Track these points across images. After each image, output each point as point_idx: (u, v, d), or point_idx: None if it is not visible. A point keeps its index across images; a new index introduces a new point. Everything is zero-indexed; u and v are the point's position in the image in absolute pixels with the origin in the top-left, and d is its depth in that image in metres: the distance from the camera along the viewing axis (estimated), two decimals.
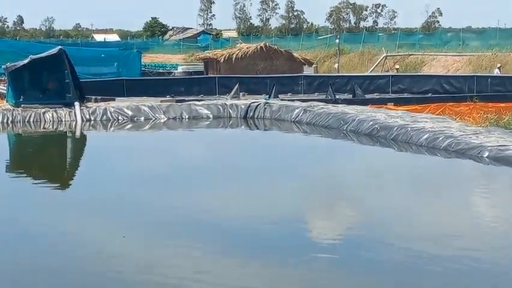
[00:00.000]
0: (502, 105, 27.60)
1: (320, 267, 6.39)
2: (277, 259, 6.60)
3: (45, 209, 8.88)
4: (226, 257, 6.72)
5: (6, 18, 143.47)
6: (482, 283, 6.07)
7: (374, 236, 7.42)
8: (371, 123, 14.43)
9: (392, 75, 41.67)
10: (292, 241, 7.19)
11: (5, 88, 19.96)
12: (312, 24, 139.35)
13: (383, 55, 59.05)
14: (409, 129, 13.39)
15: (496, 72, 44.00)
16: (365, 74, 48.48)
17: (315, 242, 7.20)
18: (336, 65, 55.90)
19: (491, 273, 6.27)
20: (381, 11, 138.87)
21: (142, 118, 17.94)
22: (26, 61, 18.39)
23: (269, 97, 24.11)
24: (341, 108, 17.00)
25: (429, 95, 34.27)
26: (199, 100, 20.68)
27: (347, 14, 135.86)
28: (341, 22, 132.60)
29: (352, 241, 7.31)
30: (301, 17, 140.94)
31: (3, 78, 22.44)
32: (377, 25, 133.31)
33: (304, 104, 17.89)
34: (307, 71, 47.46)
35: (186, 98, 23.40)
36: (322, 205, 9.02)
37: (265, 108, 17.96)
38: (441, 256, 6.62)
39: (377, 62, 58.74)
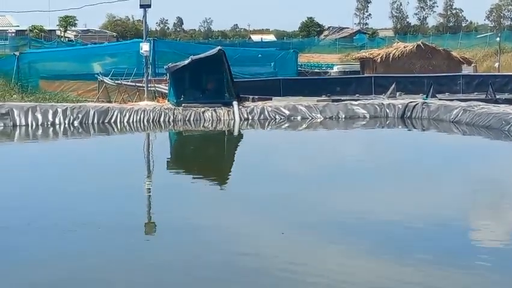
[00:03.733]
0: None
1: (477, 272, 6.24)
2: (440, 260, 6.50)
3: (201, 203, 9.10)
4: (381, 256, 6.67)
5: (167, 20, 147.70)
6: None
7: None
8: None
9: None
10: (456, 243, 7.06)
11: (167, 88, 20.58)
12: (471, 22, 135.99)
13: None
14: None
15: None
16: None
17: (476, 246, 7.03)
18: (496, 64, 54.26)
19: None
20: None
21: (299, 117, 18.07)
22: (186, 62, 18.86)
23: (427, 97, 23.69)
24: (503, 108, 16.51)
25: None
26: (355, 100, 20.61)
27: (508, 11, 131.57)
28: (501, 20, 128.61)
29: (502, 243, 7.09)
30: (460, 15, 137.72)
31: (165, 78, 23.12)
32: None
33: (463, 104, 17.50)
34: (466, 70, 46.35)
35: (342, 98, 23.36)
36: (485, 208, 8.79)
37: (423, 108, 17.70)
38: None
39: None
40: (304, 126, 17.43)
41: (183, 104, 18.33)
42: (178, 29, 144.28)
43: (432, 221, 7.87)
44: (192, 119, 17.83)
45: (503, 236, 7.34)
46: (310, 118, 18.00)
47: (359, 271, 6.24)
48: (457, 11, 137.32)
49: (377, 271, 6.24)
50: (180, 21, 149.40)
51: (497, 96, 27.58)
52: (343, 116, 18.14)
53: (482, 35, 79.41)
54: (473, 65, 50.70)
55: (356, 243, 7.06)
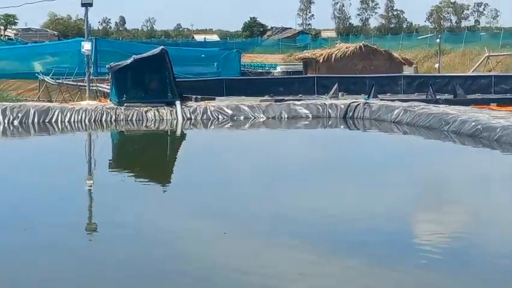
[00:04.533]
0: None
1: (417, 268, 6.31)
2: (376, 259, 6.55)
3: (145, 204, 9.05)
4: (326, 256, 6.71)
5: (109, 19, 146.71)
6: None
7: (478, 241, 7.29)
8: (473, 123, 14.17)
9: (495, 75, 40.78)
10: (397, 242, 7.13)
11: (109, 87, 20.43)
12: (411, 23, 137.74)
13: (485, 55, 57.86)
14: None
15: None
16: (467, 74, 47.57)
17: (415, 246, 7.11)
18: (436, 65, 55.03)
19: None
20: (483, 9, 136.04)
21: (242, 117, 18.09)
22: (129, 61, 18.75)
23: (368, 97, 23.92)
24: (442, 108, 16.74)
25: None
26: (298, 100, 20.71)
27: (448, 13, 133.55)
28: (441, 21, 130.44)
29: (450, 244, 7.17)
30: (401, 16, 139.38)
31: (107, 78, 22.96)
32: (479, 24, 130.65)
33: (404, 104, 17.70)
34: (407, 71, 46.94)
35: (285, 98, 23.44)
36: (425, 207, 8.89)
37: (365, 108, 17.86)
38: None
39: (479, 62, 57.58)
40: (247, 126, 17.46)
41: (125, 104, 18.19)
42: (120, 28, 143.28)
43: (372, 220, 7.92)
44: (134, 118, 17.72)
45: (443, 234, 7.43)
46: (253, 118, 18.04)
47: (303, 269, 6.25)
48: (398, 12, 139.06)
49: (320, 270, 6.27)
50: (123, 20, 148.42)
51: (438, 97, 27.96)
52: (286, 116, 18.21)
53: (423, 37, 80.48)
54: (414, 65, 51.36)
55: (298, 241, 7.07)
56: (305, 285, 5.95)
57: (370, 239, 7.19)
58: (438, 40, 60.49)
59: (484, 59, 57.37)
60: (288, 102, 19.47)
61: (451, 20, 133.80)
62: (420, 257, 6.59)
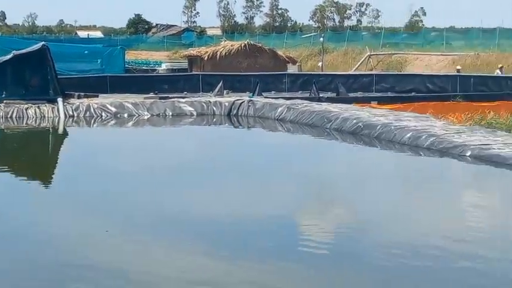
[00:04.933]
0: (485, 104, 27.69)
1: (305, 265, 6.38)
2: (262, 257, 6.59)
3: (25, 203, 8.84)
4: (209, 255, 6.70)
5: None
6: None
7: (361, 236, 7.43)
8: (355, 121, 14.45)
9: (376, 74, 41.75)
10: (277, 239, 7.19)
11: None
12: (296, 22, 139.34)
13: (367, 54, 59.18)
14: (392, 127, 13.42)
15: (497, 72, 44.00)
16: (349, 72, 48.51)
17: (302, 240, 7.19)
18: (320, 64, 55.95)
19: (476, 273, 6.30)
20: (365, 10, 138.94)
21: (126, 115, 17.90)
22: (8, 57, 18.31)
23: (253, 95, 24.06)
24: (325, 106, 17.01)
25: (413, 94, 34.33)
26: (182, 97, 20.65)
27: (331, 12, 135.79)
28: (325, 21, 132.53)
29: (337, 240, 7.29)
30: (286, 15, 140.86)
31: None
32: (361, 24, 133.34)
33: (288, 102, 17.89)
34: (291, 69, 47.48)
35: (170, 95, 23.33)
36: (306, 204, 9.00)
37: (249, 105, 17.96)
38: (426, 254, 6.64)
39: (361, 61, 58.87)
40: (131, 123, 17.29)
41: (5, 101, 17.73)
42: (0, 24, 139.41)
43: (261, 218, 7.97)
44: (14, 116, 17.28)
45: (328, 231, 7.53)
46: (137, 115, 17.87)
47: (189, 269, 6.23)
48: (283, 11, 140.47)
49: (208, 268, 6.26)
50: (3, 15, 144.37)
51: (321, 95, 28.41)
52: (170, 113, 18.12)
53: (307, 35, 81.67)
54: (298, 64, 52.02)
55: (185, 240, 7.05)
56: (185, 277, 5.95)
57: (255, 237, 7.23)
58: (321, 39, 61.51)
59: (365, 58, 58.71)
60: (172, 99, 19.39)
61: (334, 19, 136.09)
62: (305, 253, 6.67)
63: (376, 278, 6.07)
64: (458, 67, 46.97)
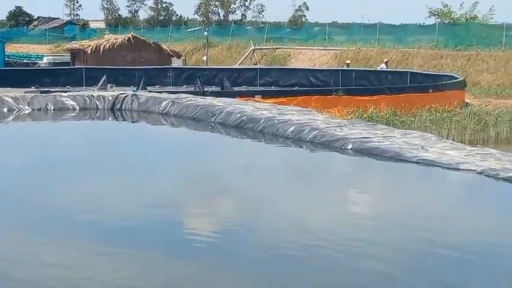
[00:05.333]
0: (366, 98, 28.37)
1: (189, 260, 6.38)
2: (147, 252, 6.55)
3: None
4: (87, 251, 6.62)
5: None
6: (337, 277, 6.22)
7: (245, 230, 7.48)
8: (239, 115, 14.52)
9: (260, 68, 42.15)
10: (162, 234, 7.16)
11: None
12: (181, 16, 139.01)
13: (251, 48, 59.61)
14: (276, 121, 13.55)
15: (382, 67, 45.06)
16: (233, 66, 48.76)
17: (190, 237, 7.19)
18: (204, 58, 56.04)
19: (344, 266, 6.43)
20: (250, 4, 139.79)
21: (5, 109, 17.41)
22: None
23: (137, 89, 23.91)
24: (209, 100, 17.02)
25: (296, 88, 34.83)
26: (65, 91, 20.26)
27: (216, 6, 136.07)
28: (209, 15, 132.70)
29: (219, 233, 7.32)
30: (170, 9, 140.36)
31: None
32: (245, 18, 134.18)
33: (172, 96, 17.80)
34: (176, 63, 47.38)
35: (52, 89, 22.88)
36: (188, 198, 8.99)
37: (133, 100, 17.76)
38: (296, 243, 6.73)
39: (245, 55, 59.25)
40: (11, 118, 16.84)
41: None
42: None
43: (149, 213, 7.92)
44: None
45: (216, 226, 7.55)
46: (17, 110, 17.41)
47: (71, 265, 6.13)
48: (167, 5, 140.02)
49: (93, 265, 6.18)
50: None
51: (205, 89, 28.48)
52: (52, 107, 17.73)
53: (191, 29, 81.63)
54: (182, 58, 51.95)
55: (68, 236, 6.94)
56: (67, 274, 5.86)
57: (139, 233, 7.19)
58: (206, 33, 61.57)
59: (250, 53, 59.13)
60: (54, 93, 18.98)
61: (218, 13, 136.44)
62: (190, 248, 6.68)
63: (258, 276, 6.12)
64: (348, 61, 47.91)
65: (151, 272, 6.02)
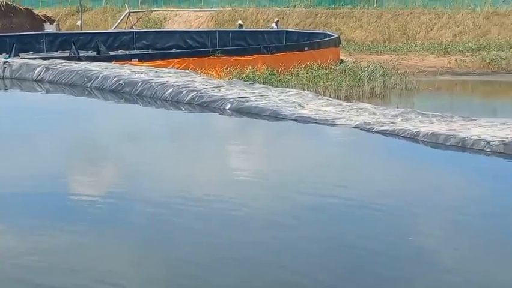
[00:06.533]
0: (243, 58, 28.52)
1: (74, 227, 6.30)
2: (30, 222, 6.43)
3: None
4: None
5: None
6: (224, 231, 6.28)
7: (131, 194, 7.45)
8: (115, 79, 14.33)
9: (136, 32, 41.67)
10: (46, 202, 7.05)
11: None
12: None
13: (126, 11, 58.79)
14: (153, 84, 13.46)
15: (273, 26, 45.25)
16: (109, 31, 48.02)
17: (71, 202, 7.09)
18: (78, 22, 54.81)
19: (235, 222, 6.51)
20: None
21: None
22: None
23: (9, 56, 23.20)
24: (85, 65, 16.71)
25: (173, 50, 34.69)
26: None
27: None
28: None
29: (102, 201, 7.25)
30: None
31: None
32: None
33: (46, 62, 17.37)
34: (49, 28, 46.24)
35: None
36: (68, 167, 8.85)
37: (5, 67, 17.25)
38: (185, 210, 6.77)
39: (120, 19, 58.43)
40: None
41: None
42: None
43: (30, 183, 7.76)
44: None
45: (99, 192, 7.47)
46: None
47: None
48: None
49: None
50: None
51: (81, 54, 27.94)
52: None
53: None
54: (56, 23, 50.72)
55: None
56: None
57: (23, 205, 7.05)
58: None
59: (125, 16, 58.28)
60: None
61: None
62: (74, 217, 6.61)
63: (139, 241, 6.12)
64: (240, 22, 47.87)
65: (37, 241, 5.94)
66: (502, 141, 8.52)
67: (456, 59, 39.37)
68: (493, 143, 8.51)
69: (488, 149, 8.47)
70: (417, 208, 6.81)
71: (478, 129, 9.23)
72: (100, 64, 17.03)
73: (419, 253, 5.62)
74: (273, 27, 44.35)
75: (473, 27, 46.58)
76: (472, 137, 8.79)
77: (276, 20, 47.43)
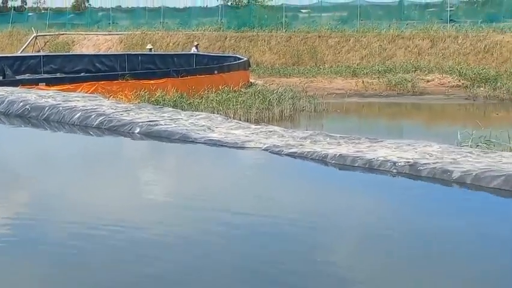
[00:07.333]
0: (152, 82, 28.43)
1: None
2: None
3: None
4: None
5: None
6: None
7: (37, 221, 7.33)
8: (22, 104, 14.10)
9: (44, 55, 41.13)
10: None
11: None
12: None
13: (33, 35, 57.98)
14: (61, 108, 13.30)
15: (194, 50, 45.18)
16: (15, 54, 47.24)
17: None
18: None
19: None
20: None
21: None
22: None
23: None
24: None
25: (82, 74, 34.36)
26: None
27: None
28: None
29: (9, 227, 7.13)
30: None
31: None
32: (26, 5, 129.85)
33: None
34: None
35: None
36: None
37: None
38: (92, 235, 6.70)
39: (27, 42, 57.59)
40: None
41: None
42: None
43: None
44: None
45: (6, 218, 7.34)
46: None
47: None
48: None
49: None
50: None
51: None
52: None
53: None
54: None
55: None
56: None
57: None
58: None
59: (32, 39, 57.44)
60: None
61: None
62: None
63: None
64: (150, 46, 47.71)
65: None
66: (408, 162, 8.73)
67: (363, 82, 40.14)
68: (399, 163, 8.71)
69: (395, 170, 8.66)
70: (325, 227, 6.91)
71: (384, 151, 9.43)
72: (6, 88, 16.73)
73: (323, 270, 5.69)
74: (194, 51, 44.39)
75: (379, 50, 47.58)
76: (379, 159, 8.97)
77: (195, 43, 47.45)
